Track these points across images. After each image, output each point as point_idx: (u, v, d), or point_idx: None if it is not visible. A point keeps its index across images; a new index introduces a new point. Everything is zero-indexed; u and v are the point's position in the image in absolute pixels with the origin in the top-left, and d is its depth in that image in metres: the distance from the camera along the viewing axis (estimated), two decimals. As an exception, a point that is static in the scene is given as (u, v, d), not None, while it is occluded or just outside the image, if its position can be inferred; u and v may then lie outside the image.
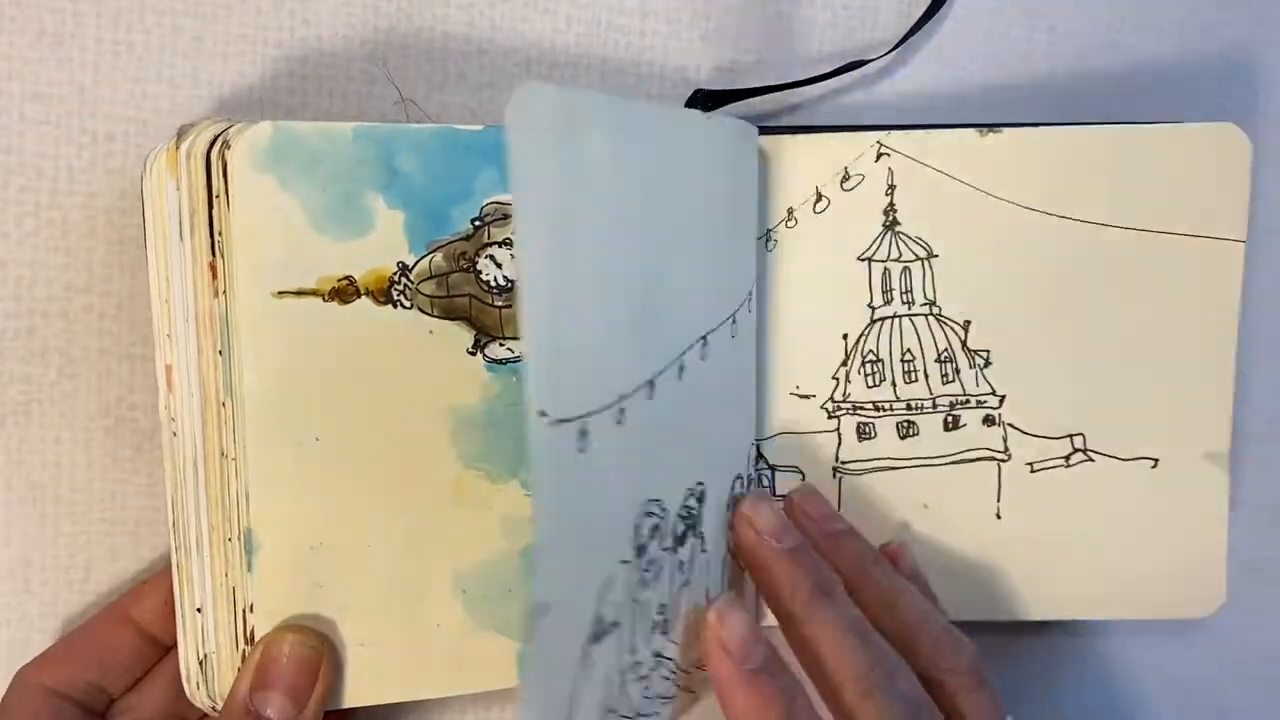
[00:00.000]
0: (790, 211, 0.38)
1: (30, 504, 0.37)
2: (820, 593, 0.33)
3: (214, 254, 0.30)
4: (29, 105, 0.36)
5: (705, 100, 0.38)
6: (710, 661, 0.31)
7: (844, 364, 0.39)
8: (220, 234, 0.30)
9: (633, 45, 0.40)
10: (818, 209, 0.38)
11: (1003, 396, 0.39)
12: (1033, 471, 0.40)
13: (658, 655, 0.31)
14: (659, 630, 0.31)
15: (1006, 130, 0.38)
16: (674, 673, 0.32)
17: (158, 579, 0.36)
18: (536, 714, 0.25)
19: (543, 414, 0.24)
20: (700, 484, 0.33)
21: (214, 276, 0.30)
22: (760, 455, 0.39)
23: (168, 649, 0.35)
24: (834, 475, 0.39)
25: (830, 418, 0.39)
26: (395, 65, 0.38)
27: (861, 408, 0.39)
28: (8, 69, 0.35)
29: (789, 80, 0.40)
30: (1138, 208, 0.39)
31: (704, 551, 0.33)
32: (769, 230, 0.38)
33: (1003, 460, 0.40)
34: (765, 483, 0.39)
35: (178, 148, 0.31)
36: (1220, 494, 0.40)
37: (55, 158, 0.36)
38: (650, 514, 0.30)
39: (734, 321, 0.34)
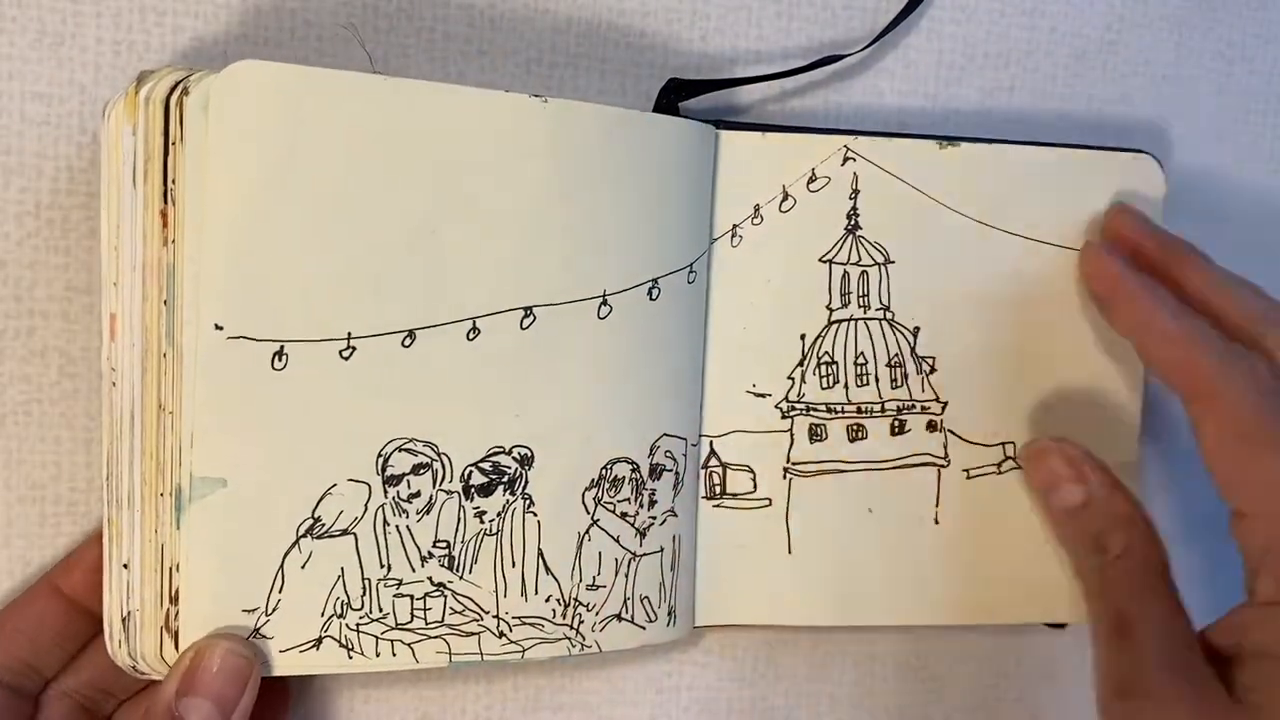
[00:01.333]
0: (756, 208, 0.39)
1: (30, 504, 0.37)
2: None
3: (166, 201, 0.31)
4: (29, 105, 0.36)
5: (679, 90, 0.39)
6: None
7: (800, 364, 0.39)
8: (174, 181, 0.31)
9: (633, 45, 0.40)
10: (784, 208, 0.39)
11: (945, 403, 0.40)
12: (969, 478, 0.41)
13: (439, 585, 0.35)
14: (439, 562, 0.35)
15: (964, 144, 0.40)
16: (475, 610, 0.35)
17: (84, 549, 0.36)
18: (209, 559, 0.32)
19: (219, 327, 0.31)
20: (522, 448, 0.35)
21: (165, 224, 0.31)
22: (713, 452, 0.39)
23: (100, 622, 0.34)
24: (784, 475, 0.40)
25: (784, 417, 0.39)
26: (395, 65, 0.38)
27: (815, 409, 0.40)
28: (8, 69, 0.35)
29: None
30: (1065, 226, 0.40)
31: (532, 513, 0.35)
32: (735, 226, 0.39)
33: (942, 466, 0.41)
34: (717, 480, 0.39)
35: (137, 93, 0.31)
36: None
37: (55, 158, 0.36)
38: (408, 450, 0.34)
39: (606, 306, 0.35)
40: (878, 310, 0.39)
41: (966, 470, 0.41)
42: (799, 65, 0.41)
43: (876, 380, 0.40)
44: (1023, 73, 0.43)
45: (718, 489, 0.39)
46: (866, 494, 0.40)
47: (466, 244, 0.33)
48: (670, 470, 0.38)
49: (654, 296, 0.36)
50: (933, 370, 0.40)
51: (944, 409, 0.40)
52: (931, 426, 0.40)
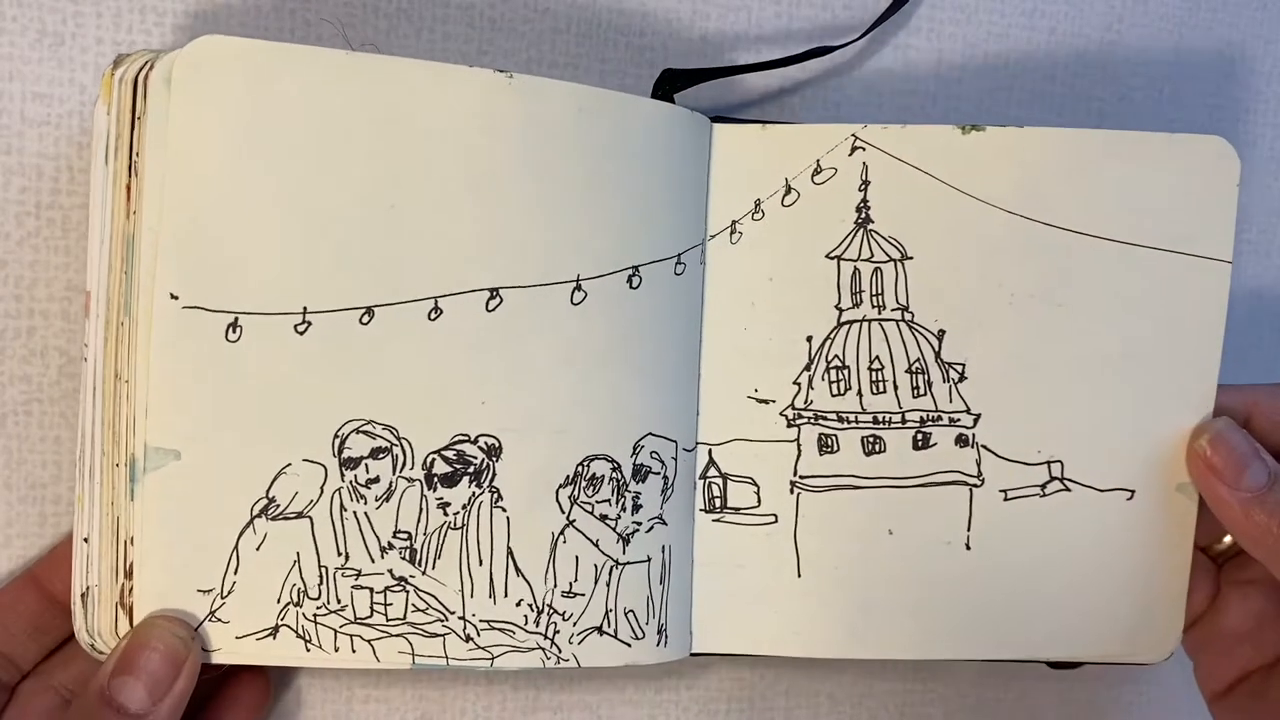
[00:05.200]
0: (757, 203, 0.37)
1: (30, 504, 0.37)
2: None
3: (131, 175, 0.32)
4: (29, 105, 0.36)
5: (674, 81, 0.39)
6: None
7: (807, 369, 0.37)
8: (138, 155, 0.31)
9: (632, 45, 0.40)
10: (786, 202, 0.37)
11: (978, 415, 0.37)
12: (1006, 500, 0.37)
13: (400, 579, 0.34)
14: (399, 554, 0.34)
15: (990, 129, 0.36)
16: (440, 609, 0.34)
17: (67, 546, 0.35)
18: (163, 534, 0.32)
19: (174, 296, 0.31)
20: (489, 437, 0.34)
21: (129, 198, 0.32)
22: (712, 461, 0.37)
23: None
24: (791, 490, 0.37)
25: (790, 426, 0.37)
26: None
27: (824, 417, 0.37)
28: (8, 69, 0.36)
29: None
30: (1120, 218, 0.37)
31: (500, 508, 0.34)
32: (734, 222, 0.37)
33: (975, 486, 0.37)
34: (716, 492, 0.37)
35: (113, 74, 0.32)
36: (1187, 529, 0.38)
37: (55, 158, 0.36)
38: (366, 433, 0.33)
39: (580, 291, 0.34)
40: (894, 310, 0.37)
41: (1004, 491, 0.37)
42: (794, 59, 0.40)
43: (895, 388, 0.37)
44: (1023, 73, 0.43)
45: (717, 502, 0.37)
46: (886, 513, 0.37)
47: (428, 220, 0.33)
48: (657, 473, 0.36)
49: (634, 285, 0.35)
50: (962, 378, 0.37)
51: (976, 422, 0.37)
52: (962, 441, 0.37)
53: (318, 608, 0.33)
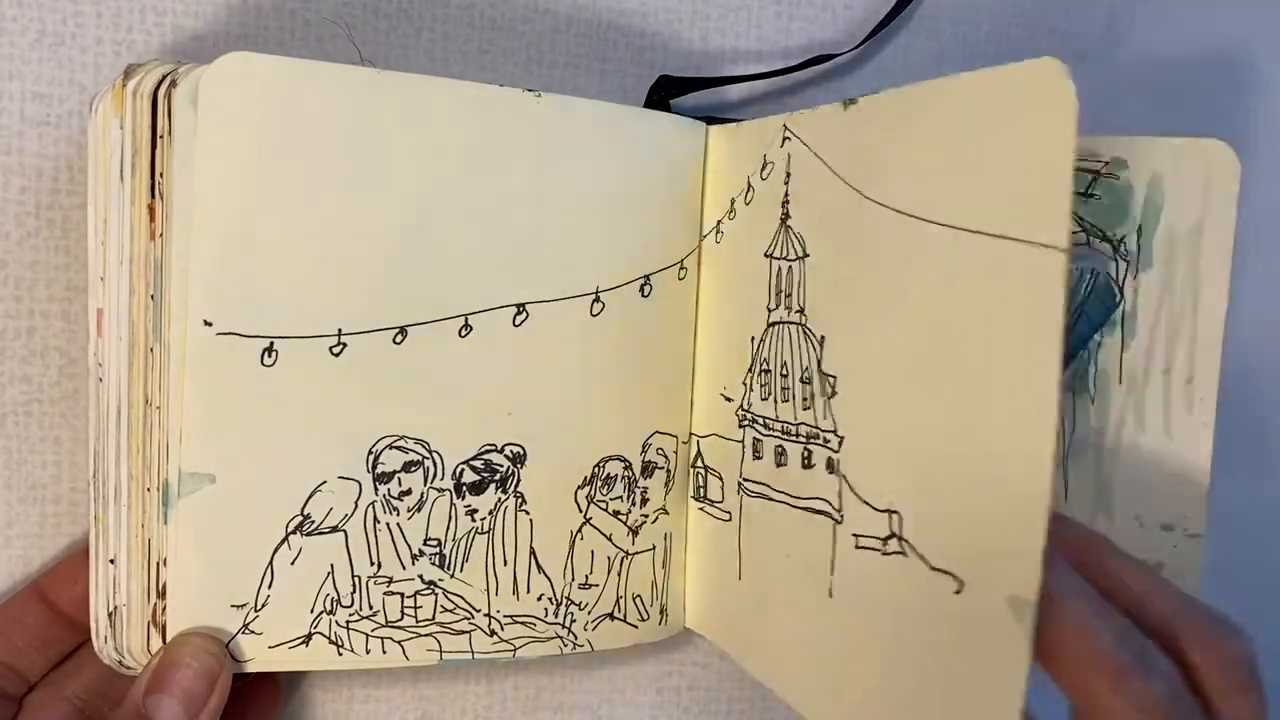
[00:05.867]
0: (732, 202, 0.37)
1: (30, 504, 0.37)
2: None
3: (154, 196, 0.31)
4: (29, 105, 0.35)
5: (669, 88, 0.39)
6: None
7: (750, 370, 0.36)
8: (161, 175, 0.31)
9: (633, 45, 0.40)
10: (748, 200, 0.36)
11: (842, 438, 0.31)
12: (857, 547, 0.30)
13: (430, 583, 0.35)
14: (430, 560, 0.34)
15: (862, 100, 0.30)
16: (466, 609, 0.35)
17: (76, 560, 0.36)
18: (198, 554, 0.32)
19: (208, 323, 0.31)
20: (515, 446, 0.35)
21: (152, 219, 0.31)
22: (699, 453, 0.39)
23: (87, 632, 0.34)
24: (738, 490, 0.36)
25: (740, 426, 0.36)
26: (396, 66, 0.38)
27: (755, 422, 0.36)
28: (8, 69, 0.35)
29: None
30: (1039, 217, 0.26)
31: (524, 511, 0.35)
32: (718, 222, 0.38)
33: (837, 522, 0.31)
34: (700, 482, 0.38)
35: (124, 86, 0.31)
36: (1017, 657, 0.25)
37: (55, 158, 0.36)
38: (399, 448, 0.34)
39: (599, 303, 0.35)
40: (796, 313, 0.33)
41: (856, 535, 0.30)
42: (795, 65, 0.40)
43: (794, 397, 0.33)
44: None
45: (702, 491, 0.38)
46: (787, 533, 0.33)
47: (459, 240, 0.33)
48: (662, 468, 0.38)
49: (646, 293, 0.36)
50: (834, 393, 0.31)
51: (840, 445, 0.31)
52: (830, 465, 0.31)
53: (350, 614, 0.34)
